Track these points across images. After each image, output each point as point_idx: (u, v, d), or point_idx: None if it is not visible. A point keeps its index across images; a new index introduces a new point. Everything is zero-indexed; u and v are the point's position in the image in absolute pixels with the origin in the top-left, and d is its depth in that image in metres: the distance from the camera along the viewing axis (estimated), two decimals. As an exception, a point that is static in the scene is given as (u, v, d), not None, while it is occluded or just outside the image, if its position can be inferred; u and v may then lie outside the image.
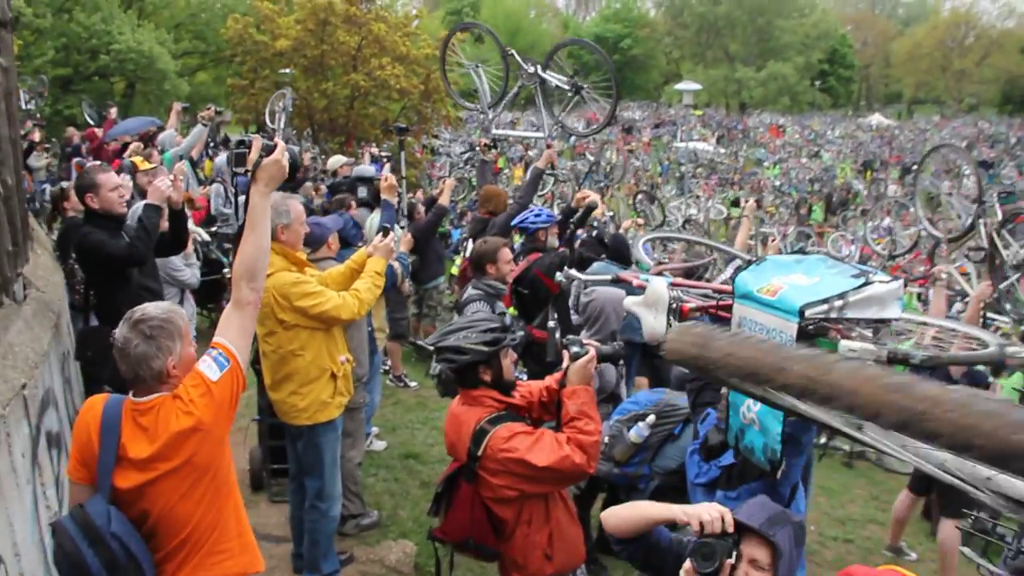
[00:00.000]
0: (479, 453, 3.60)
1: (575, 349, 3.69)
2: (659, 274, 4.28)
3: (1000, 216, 8.29)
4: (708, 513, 2.66)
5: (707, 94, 59.74)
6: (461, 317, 4.75)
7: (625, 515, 2.96)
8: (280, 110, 14.66)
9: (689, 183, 30.41)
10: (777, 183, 32.36)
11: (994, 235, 8.05)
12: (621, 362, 5.63)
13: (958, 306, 11.02)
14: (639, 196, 24.30)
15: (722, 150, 41.36)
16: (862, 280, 2.91)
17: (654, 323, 3.50)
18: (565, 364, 3.71)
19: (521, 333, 5.92)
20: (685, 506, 2.83)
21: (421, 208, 9.74)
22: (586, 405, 3.61)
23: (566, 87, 8.20)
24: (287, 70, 24.60)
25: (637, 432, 4.63)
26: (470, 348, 3.72)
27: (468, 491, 3.71)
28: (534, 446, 3.51)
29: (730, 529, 2.64)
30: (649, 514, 2.90)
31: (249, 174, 3.26)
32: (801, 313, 2.81)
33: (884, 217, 19.95)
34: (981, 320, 7.92)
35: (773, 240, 10.38)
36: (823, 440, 8.58)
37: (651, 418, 4.64)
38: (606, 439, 4.62)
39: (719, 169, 35.38)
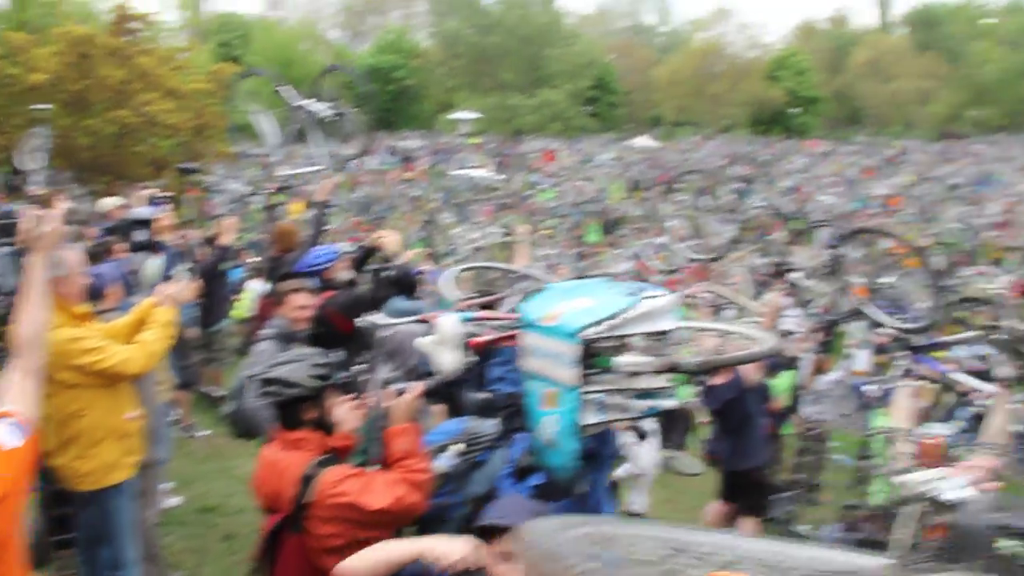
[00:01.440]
0: (308, 500, 3.44)
1: (397, 387, 3.66)
2: (463, 308, 4.34)
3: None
4: (447, 546, 2.66)
5: (483, 122, 60.75)
6: (252, 357, 4.62)
7: (365, 563, 2.92)
8: (34, 150, 13.72)
9: (468, 210, 30.88)
10: (552, 206, 33.32)
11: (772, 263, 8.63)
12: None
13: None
14: (425, 224, 24.50)
15: (500, 176, 42.18)
16: (636, 297, 3.08)
17: (448, 360, 3.59)
18: (387, 403, 3.67)
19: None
20: (426, 540, 2.84)
21: (201, 249, 9.42)
22: (414, 444, 3.57)
23: (331, 114, 8.14)
24: (44, 106, 23.01)
25: (444, 462, 4.65)
26: (299, 382, 3.60)
27: (295, 544, 3.54)
28: (365, 489, 3.42)
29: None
30: (391, 556, 2.86)
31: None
32: (579, 335, 2.96)
33: (658, 235, 20.97)
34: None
35: (561, 265, 10.75)
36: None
37: (458, 447, 4.67)
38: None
39: (497, 195, 36.06)
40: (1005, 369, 6.35)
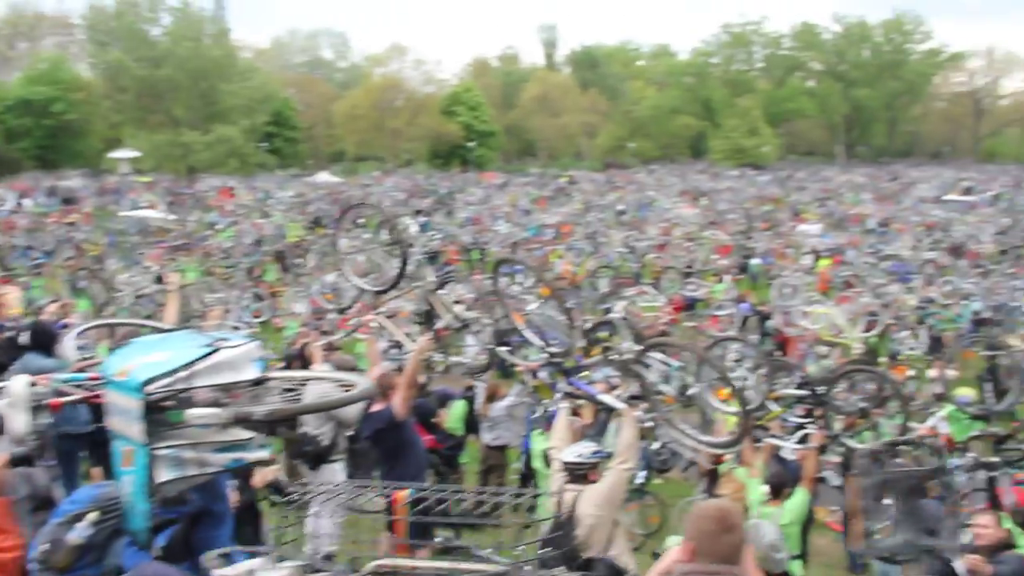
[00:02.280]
0: None
1: None
2: (82, 369, 4.14)
3: (432, 278, 8.71)
4: None
5: (153, 159, 57.70)
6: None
7: None
8: None
9: (137, 254, 29.09)
10: (230, 245, 32.11)
11: (431, 297, 8.54)
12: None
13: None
14: (81, 272, 22.72)
15: (173, 216, 40.21)
16: (211, 348, 2.99)
17: (19, 424, 3.44)
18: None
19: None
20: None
21: None
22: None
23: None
24: None
25: (78, 533, 4.14)
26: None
27: None
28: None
29: None
30: None
31: None
32: (143, 388, 2.86)
33: (331, 272, 20.76)
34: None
35: (214, 311, 10.18)
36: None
37: (93, 515, 4.18)
38: (45, 547, 4.09)
39: (170, 236, 34.30)
40: (632, 387, 6.65)
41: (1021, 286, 24.45)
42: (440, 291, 8.57)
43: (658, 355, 6.87)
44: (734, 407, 8.58)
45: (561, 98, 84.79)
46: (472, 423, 11.27)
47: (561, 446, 6.49)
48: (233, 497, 5.10)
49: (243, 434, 3.02)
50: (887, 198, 54.03)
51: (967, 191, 56.58)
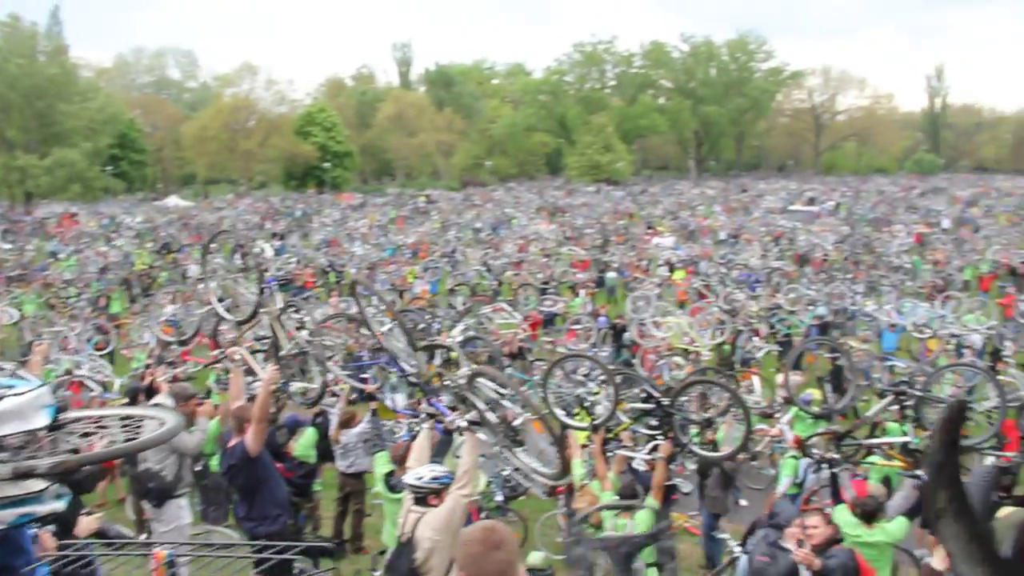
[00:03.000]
0: None
1: None
2: None
3: (279, 304, 8.40)
4: None
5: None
6: None
7: None
8: None
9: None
10: (69, 277, 30.49)
11: (275, 323, 8.22)
12: None
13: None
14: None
15: (7, 245, 38.09)
16: None
17: None
18: None
19: None
20: None
21: None
22: None
23: None
24: None
25: None
26: None
27: None
28: None
29: None
30: None
31: None
32: None
33: (188, 300, 20.02)
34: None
35: (40, 346, 9.55)
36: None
37: None
38: None
39: (6, 267, 32.40)
40: (471, 413, 6.53)
41: (860, 291, 25.61)
42: (285, 317, 8.26)
43: (488, 382, 6.75)
44: (584, 422, 8.61)
45: (417, 117, 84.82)
46: (327, 450, 10.94)
47: (415, 467, 6.39)
48: (50, 543, 4.70)
49: (34, 486, 2.76)
50: (737, 210, 55.95)
51: (810, 202, 59.21)
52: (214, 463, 8.33)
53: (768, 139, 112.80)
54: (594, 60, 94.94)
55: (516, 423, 6.41)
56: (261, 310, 8.20)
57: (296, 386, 8.50)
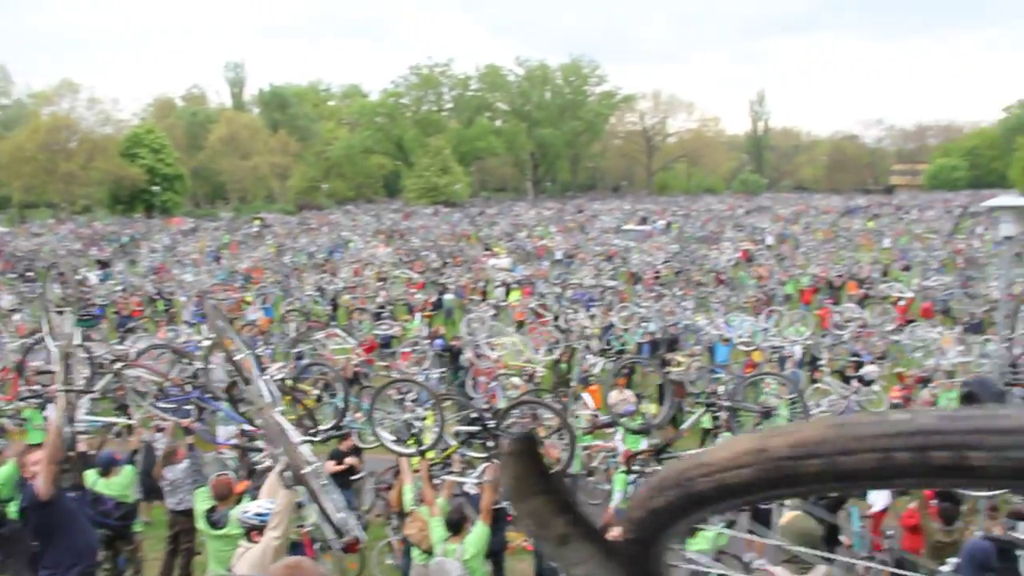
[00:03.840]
0: None
1: None
2: None
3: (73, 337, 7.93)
4: None
5: None
6: None
7: None
8: None
9: None
10: None
11: (66, 356, 7.75)
12: None
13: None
14: None
15: None
16: None
17: None
18: None
19: None
20: None
21: None
22: None
23: None
24: None
25: None
26: None
27: None
28: None
29: None
30: None
31: None
32: None
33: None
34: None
35: None
36: None
37: None
38: None
39: None
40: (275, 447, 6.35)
41: (690, 307, 26.44)
42: (76, 351, 7.79)
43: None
44: (411, 447, 8.49)
45: (250, 139, 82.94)
46: (154, 487, 10.45)
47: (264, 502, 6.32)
48: None
49: None
50: (572, 230, 57.02)
51: (643, 221, 61.03)
52: (12, 509, 7.77)
53: (603, 161, 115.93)
54: (431, 83, 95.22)
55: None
56: (56, 343, 7.72)
57: (101, 421, 8.05)
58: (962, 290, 28.94)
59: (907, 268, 37.17)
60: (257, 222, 59.55)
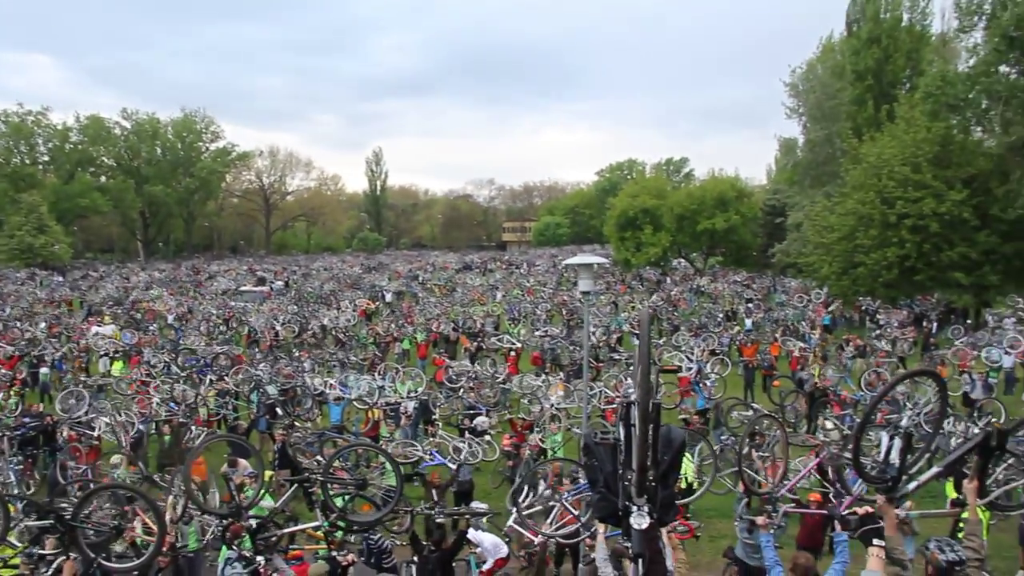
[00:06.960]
0: None
1: None
2: None
3: None
4: None
5: None
6: None
7: None
8: None
9: None
10: None
11: None
12: None
13: None
14: None
15: None
16: None
17: None
18: None
19: None
20: None
21: None
22: None
23: None
24: None
25: None
26: None
27: None
28: None
29: None
30: None
31: None
32: None
33: None
34: None
35: None
36: None
37: None
38: None
39: None
40: None
41: (308, 368, 26.09)
42: None
43: None
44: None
45: None
46: None
47: None
48: None
49: None
50: (187, 292, 54.64)
51: (261, 281, 59.74)
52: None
53: (219, 220, 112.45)
54: (23, 132, 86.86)
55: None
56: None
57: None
58: (566, 340, 31.14)
59: (516, 320, 39.43)
60: None
